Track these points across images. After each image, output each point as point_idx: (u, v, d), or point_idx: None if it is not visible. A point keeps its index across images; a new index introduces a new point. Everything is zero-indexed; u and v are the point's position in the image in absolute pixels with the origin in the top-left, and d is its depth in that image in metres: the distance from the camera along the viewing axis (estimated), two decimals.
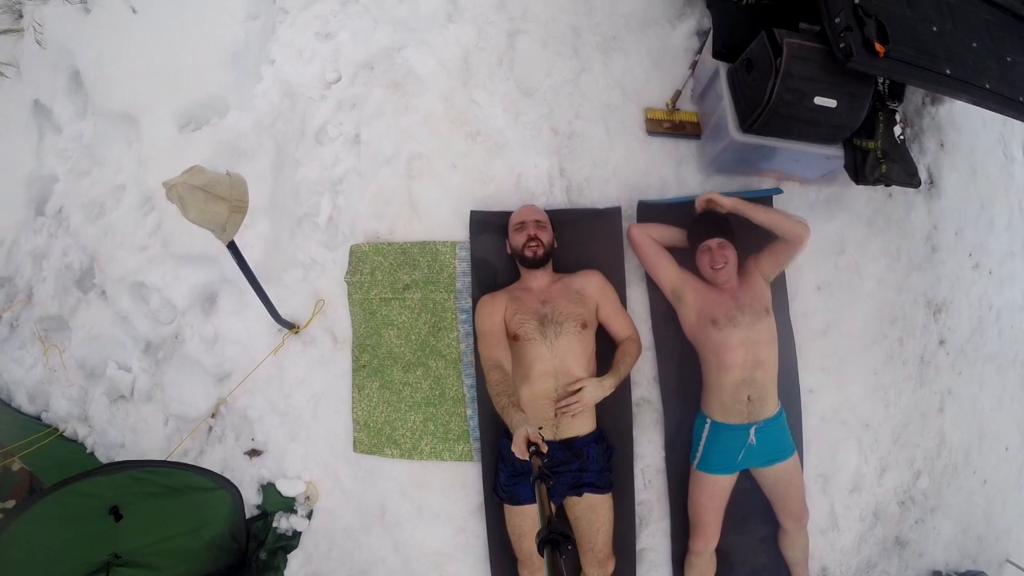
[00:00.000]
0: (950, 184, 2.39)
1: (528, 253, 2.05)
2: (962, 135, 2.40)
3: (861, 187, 2.28)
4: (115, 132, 2.34)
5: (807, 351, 2.23)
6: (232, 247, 1.67)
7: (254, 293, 2.29)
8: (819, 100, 1.76)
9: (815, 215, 2.31)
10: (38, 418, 2.42)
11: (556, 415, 1.95)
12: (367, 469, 2.24)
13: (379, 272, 2.23)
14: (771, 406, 2.03)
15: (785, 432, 2.08)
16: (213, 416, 2.38)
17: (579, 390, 1.90)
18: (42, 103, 2.52)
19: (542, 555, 0.91)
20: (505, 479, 2.00)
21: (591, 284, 2.10)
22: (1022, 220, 2.50)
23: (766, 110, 1.80)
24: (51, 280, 2.46)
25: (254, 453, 2.35)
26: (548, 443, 1.91)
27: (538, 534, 0.94)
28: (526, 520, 1.97)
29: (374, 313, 2.25)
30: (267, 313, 2.25)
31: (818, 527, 2.15)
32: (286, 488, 2.26)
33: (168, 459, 2.18)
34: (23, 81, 2.56)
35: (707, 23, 2.34)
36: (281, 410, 2.30)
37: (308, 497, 2.29)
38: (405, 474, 2.21)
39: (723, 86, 1.99)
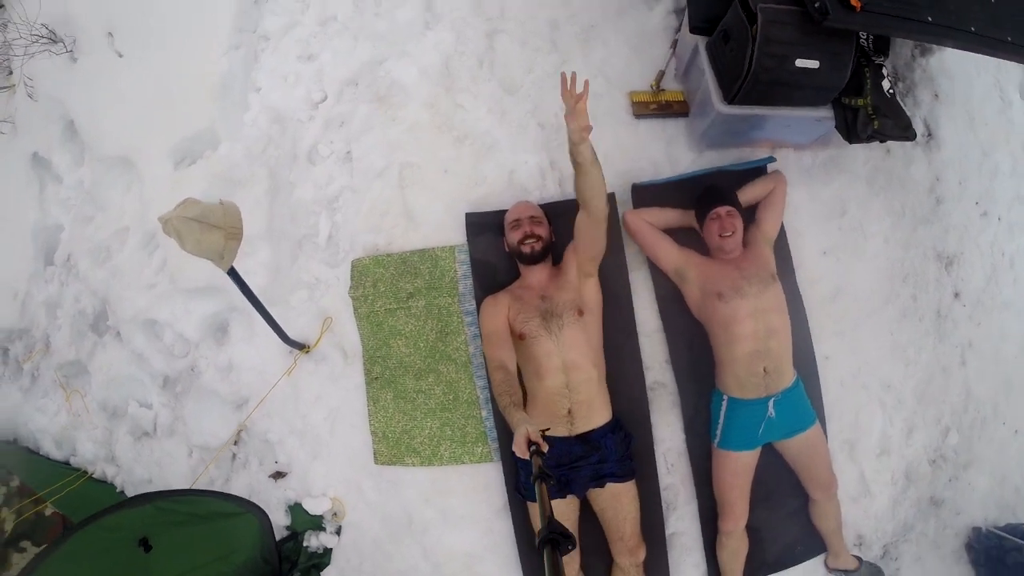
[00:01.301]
0: (949, 134, 2.35)
1: (525, 250, 2.05)
2: (956, 84, 2.36)
3: (857, 146, 2.28)
4: (113, 176, 2.40)
5: (819, 317, 2.19)
6: (233, 274, 1.69)
7: (261, 320, 2.36)
8: (800, 63, 1.74)
9: (813, 180, 2.29)
10: (67, 463, 2.47)
11: (570, 412, 1.94)
12: (389, 480, 2.25)
13: (381, 284, 2.25)
14: (787, 376, 2.01)
15: (804, 401, 2.05)
16: (235, 443, 2.41)
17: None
18: (40, 155, 2.59)
19: (542, 555, 0.90)
20: (526, 477, 1.99)
21: (568, 257, 2.09)
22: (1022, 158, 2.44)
23: (747, 79, 1.78)
24: (66, 327, 2.52)
25: (279, 475, 2.37)
26: (565, 439, 1.95)
27: (538, 534, 0.94)
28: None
29: (381, 325, 2.27)
30: (276, 339, 2.29)
31: (849, 495, 2.11)
32: (313, 507, 2.28)
33: (191, 488, 2.21)
34: (19, 135, 2.64)
35: (682, 2, 2.33)
36: (300, 430, 2.32)
37: (335, 513, 2.31)
38: (427, 481, 2.22)
39: (704, 60, 1.97)
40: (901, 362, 2.23)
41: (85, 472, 2.39)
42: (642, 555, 1.98)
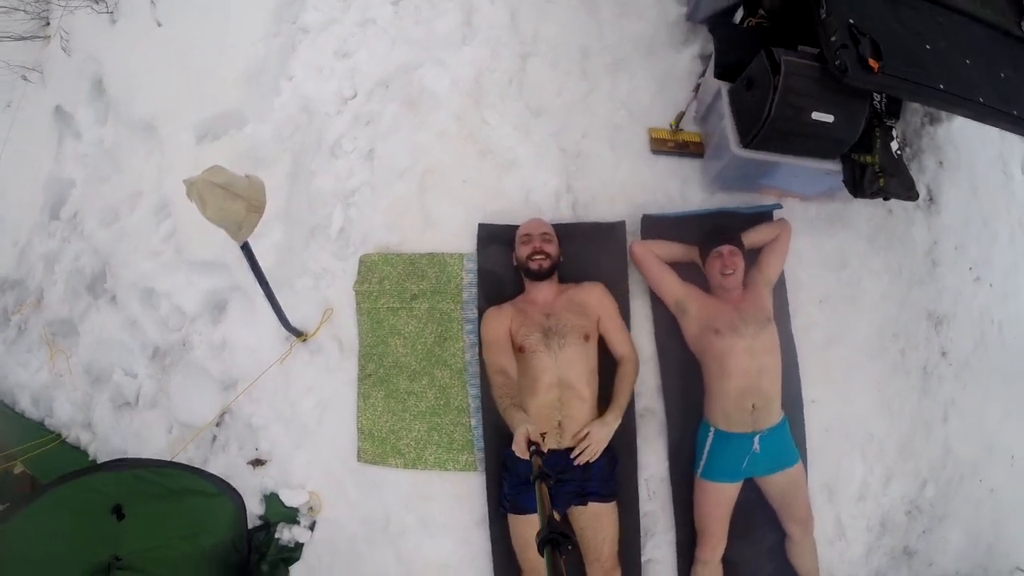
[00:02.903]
0: (950, 200, 2.46)
1: (533, 266, 2.08)
2: (961, 154, 2.48)
3: (860, 204, 2.36)
4: (135, 140, 2.41)
5: (810, 363, 2.25)
6: (246, 249, 1.70)
7: (264, 300, 2.32)
8: (816, 115, 1.83)
9: (816, 231, 2.37)
10: (41, 423, 2.41)
11: (560, 424, 1.96)
12: (371, 479, 2.23)
13: (387, 282, 2.27)
14: (775, 415, 2.05)
15: (789, 440, 2.08)
16: (217, 424, 2.37)
17: (586, 436, 1.92)
18: (64, 109, 2.60)
19: (542, 555, 0.91)
20: (509, 488, 1.99)
21: (592, 296, 2.13)
22: (1019, 230, 2.56)
23: (766, 125, 1.86)
24: (62, 284, 2.49)
25: (257, 463, 2.34)
26: (553, 452, 1.94)
27: (538, 534, 0.94)
28: (531, 530, 1.94)
29: (381, 322, 2.28)
30: (275, 321, 2.28)
31: (826, 537, 2.14)
32: (289, 498, 2.24)
33: (172, 460, 2.17)
34: (47, 86, 2.65)
35: (710, 48, 2.43)
36: (286, 418, 2.30)
37: (311, 508, 2.27)
38: (409, 484, 2.20)
39: (724, 104, 2.06)
40: (885, 414, 2.28)
41: (59, 436, 2.34)
42: None
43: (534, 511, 1.93)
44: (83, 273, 2.45)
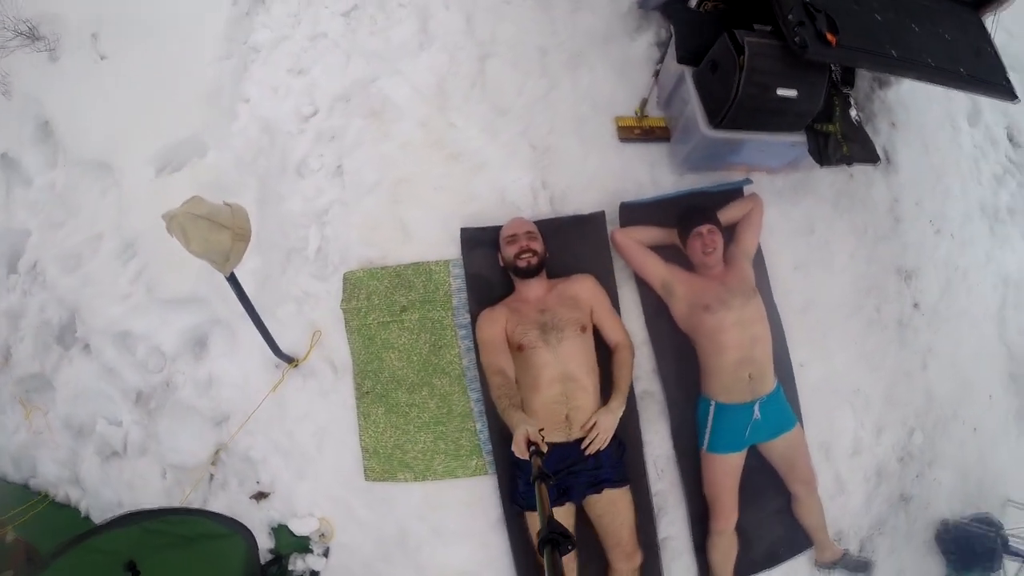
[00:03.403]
0: (905, 159, 2.58)
1: (522, 264, 2.10)
2: (911, 114, 2.61)
3: (824, 171, 2.47)
4: (89, 180, 2.30)
5: (793, 327, 2.34)
6: (232, 279, 1.66)
7: (246, 332, 2.28)
8: (781, 91, 1.90)
9: (783, 201, 2.45)
10: (25, 485, 2.29)
11: (567, 418, 1.98)
12: (381, 497, 2.20)
13: (375, 296, 2.24)
14: (770, 382, 2.13)
15: (786, 404, 2.17)
16: (214, 464, 2.31)
17: (594, 425, 1.95)
18: (9, 156, 2.46)
19: (542, 555, 0.91)
20: (523, 486, 2.00)
21: (584, 288, 2.17)
22: (976, 186, 2.71)
23: (734, 105, 1.92)
24: (29, 339, 2.36)
25: (260, 496, 2.28)
26: (563, 445, 1.98)
27: (538, 534, 0.95)
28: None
29: (373, 338, 2.25)
30: (262, 351, 2.24)
31: (827, 493, 2.23)
32: (299, 527, 2.20)
33: (177, 506, 2.11)
34: None
35: (664, 34, 2.49)
36: (285, 448, 2.26)
37: (323, 534, 2.23)
38: (420, 496, 2.19)
39: (690, 88, 2.11)
40: (868, 368, 2.40)
41: (46, 496, 2.23)
42: (639, 560, 2.02)
43: (552, 505, 1.97)
44: (51, 324, 2.34)
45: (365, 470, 2.21)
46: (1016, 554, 2.21)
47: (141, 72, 2.24)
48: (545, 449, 1.54)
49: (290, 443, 2.25)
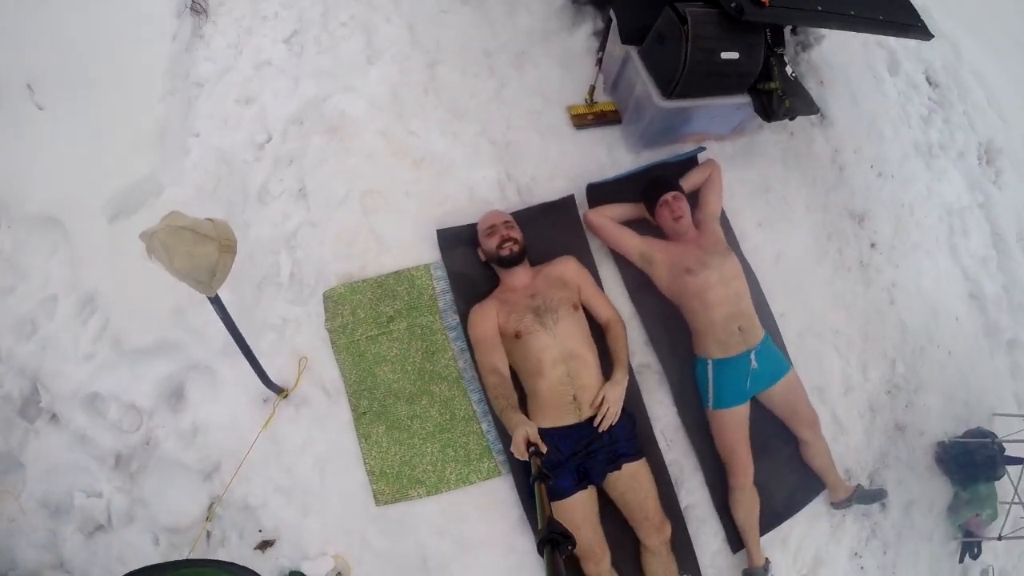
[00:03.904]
0: (837, 113, 2.77)
1: (505, 253, 2.11)
2: (835, 70, 2.81)
3: (768, 133, 2.63)
4: (38, 239, 2.15)
5: (767, 280, 2.44)
6: (217, 301, 1.59)
7: (227, 370, 2.20)
8: (725, 55, 2.02)
9: (736, 165, 2.58)
10: None
11: (575, 398, 1.97)
12: (394, 520, 2.11)
13: (360, 310, 2.19)
14: (759, 331, 2.20)
15: (777, 351, 2.25)
16: (209, 519, 2.16)
17: (603, 400, 1.97)
18: None
19: (542, 555, 0.91)
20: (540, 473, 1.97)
21: (568, 269, 2.20)
22: (906, 128, 2.93)
23: (684, 72, 2.03)
24: None
25: (265, 545, 2.14)
26: (576, 426, 1.97)
27: (538, 534, 0.94)
28: (575, 511, 1.94)
29: (363, 354, 2.19)
30: (247, 388, 2.15)
31: (829, 435, 2.30)
32: (312, 570, 2.05)
33: (185, 559, 1.95)
34: None
35: (600, 24, 2.62)
36: (285, 487, 2.13)
37: (339, 573, 2.11)
38: (436, 511, 2.11)
39: (638, 66, 2.21)
40: (842, 309, 2.52)
41: None
42: (668, 530, 2.00)
43: (572, 492, 1.94)
44: (11, 398, 2.14)
45: (375, 495, 2.11)
46: (1013, 460, 2.33)
47: (83, 119, 2.14)
48: (544, 450, 1.53)
49: (290, 480, 2.13)
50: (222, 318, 1.65)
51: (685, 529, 2.14)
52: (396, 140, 2.35)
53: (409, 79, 2.42)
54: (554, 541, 0.91)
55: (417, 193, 2.32)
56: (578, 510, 1.94)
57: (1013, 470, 2.34)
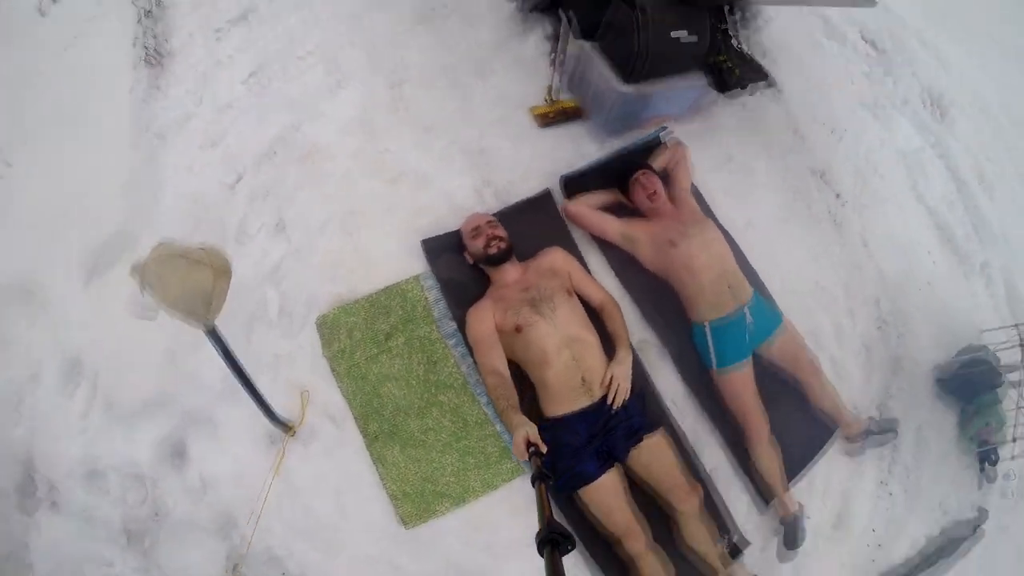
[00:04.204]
0: (785, 82, 2.91)
1: (493, 251, 2.13)
2: (776, 44, 2.96)
3: (723, 106, 2.75)
4: (13, 310, 2.06)
5: (746, 244, 2.50)
6: (214, 334, 1.54)
7: (227, 417, 2.15)
8: (676, 34, 2.14)
9: (697, 141, 2.66)
10: None
11: (584, 380, 1.98)
12: (425, 540, 2.04)
13: (356, 331, 2.17)
14: (748, 288, 2.26)
15: (768, 303, 2.32)
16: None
17: (611, 378, 1.99)
18: None
19: (542, 555, 0.91)
20: (567, 466, 1.95)
21: (556, 259, 2.23)
22: (851, 86, 3.10)
23: (641, 55, 2.13)
24: None
25: None
26: (590, 408, 1.98)
27: (537, 534, 0.94)
28: (607, 493, 1.94)
29: (365, 376, 2.15)
30: (250, 432, 2.09)
31: (829, 377, 2.35)
32: None
33: None
34: None
35: (550, 27, 2.72)
36: (307, 529, 2.05)
37: None
38: (463, 523, 2.06)
39: (595, 57, 2.30)
40: (818, 262, 2.62)
41: None
42: (699, 494, 2.01)
43: (598, 475, 1.93)
44: (6, 493, 2.01)
45: (401, 518, 2.04)
46: (1010, 367, 2.41)
47: (47, 180, 2.10)
48: (544, 450, 1.54)
49: (311, 521, 2.05)
50: (221, 352, 1.60)
51: (713, 493, 2.14)
52: (370, 160, 2.37)
53: (376, 101, 2.47)
54: (554, 541, 0.90)
55: (397, 209, 2.34)
56: (608, 491, 1.94)
57: (1012, 376, 2.43)
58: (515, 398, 1.90)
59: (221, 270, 1.40)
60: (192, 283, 1.34)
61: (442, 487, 2.08)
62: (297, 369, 2.17)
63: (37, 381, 2.10)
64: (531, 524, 2.00)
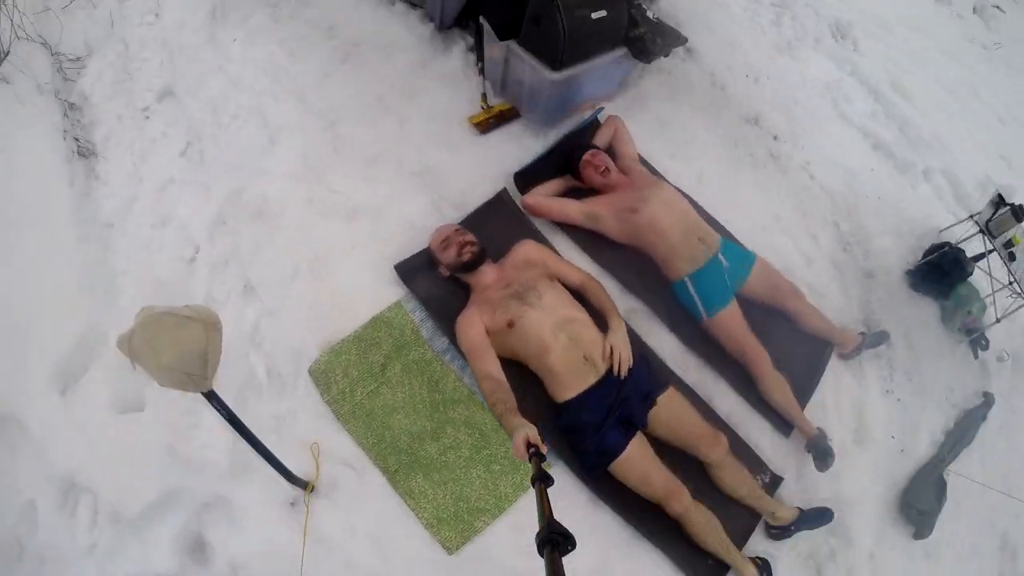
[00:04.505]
0: (699, 44, 3.06)
1: (466, 257, 2.15)
2: (681, 10, 3.11)
3: (648, 79, 2.90)
4: None
5: (702, 198, 2.61)
6: (213, 396, 1.49)
7: (240, 491, 2.06)
8: (595, 15, 2.24)
9: (632, 115, 2.78)
10: None
11: (586, 357, 2.00)
12: (473, 559, 1.99)
13: (351, 369, 2.13)
14: (716, 236, 2.35)
15: (737, 246, 2.41)
16: None
17: (611, 352, 2.02)
18: None
19: (542, 556, 0.90)
20: (593, 444, 1.96)
21: (530, 251, 2.27)
22: (762, 35, 3.29)
23: (566, 40, 2.21)
24: None
25: None
26: (600, 383, 2.00)
27: (538, 535, 0.94)
28: (638, 461, 1.95)
29: (371, 412, 2.11)
30: (268, 500, 2.01)
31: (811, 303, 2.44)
32: None
33: None
34: None
35: (471, 39, 2.81)
36: None
37: None
38: (506, 529, 2.03)
39: (521, 54, 2.37)
40: (771, 197, 2.75)
41: None
42: (725, 439, 2.04)
43: (624, 445, 1.94)
44: None
45: (443, 545, 1.98)
46: (977, 256, 2.55)
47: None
48: (545, 451, 1.54)
49: (355, 573, 1.97)
50: (224, 414, 1.54)
51: (736, 434, 2.20)
52: (322, 203, 2.36)
53: (314, 145, 2.47)
54: (554, 541, 0.90)
55: (361, 243, 2.33)
56: (638, 458, 1.95)
57: (981, 265, 2.56)
58: (512, 401, 1.88)
59: (211, 324, 1.36)
60: (185, 341, 1.29)
61: (476, 502, 2.04)
62: (301, 425, 2.10)
63: (34, 510, 1.98)
64: (573, 513, 2.03)
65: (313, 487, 2.03)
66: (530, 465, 1.38)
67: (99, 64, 2.64)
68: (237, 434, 2.00)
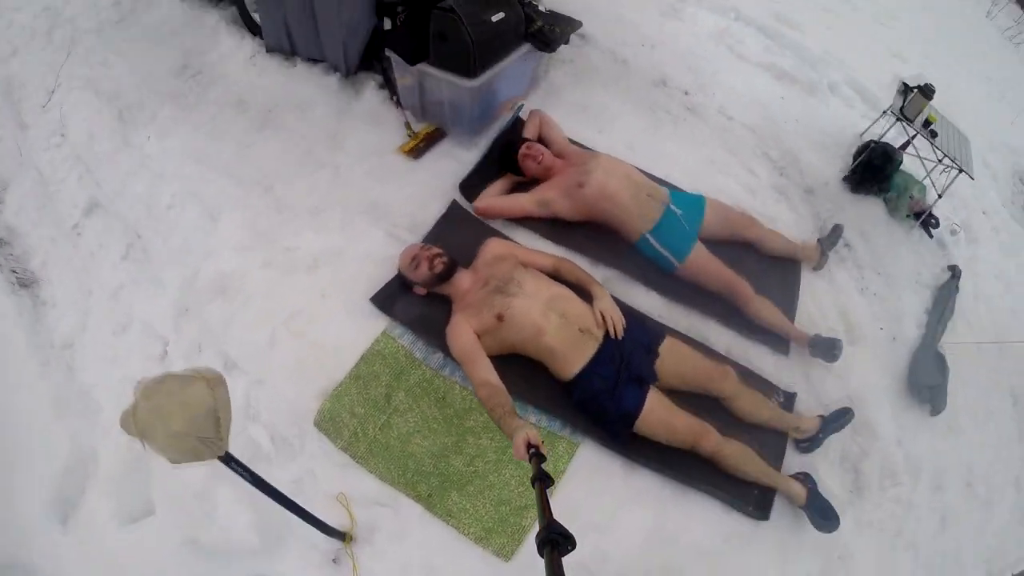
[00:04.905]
0: (589, 27, 3.19)
1: (439, 269, 2.17)
2: (577, 4, 3.23)
3: (552, 71, 3.05)
4: None
5: (636, 162, 2.71)
6: (230, 459, 1.44)
7: (278, 561, 1.96)
8: (494, 18, 2.38)
9: (552, 105, 2.94)
10: None
11: (581, 330, 2.04)
12: (528, 562, 1.94)
13: (357, 407, 2.09)
14: (663, 189, 2.47)
15: (685, 194, 2.54)
16: None
17: (603, 317, 2.07)
18: None
19: (542, 556, 0.91)
20: (612, 408, 1.98)
21: (497, 246, 2.32)
22: (646, 4, 3.52)
23: (475, 47, 2.32)
24: None
25: None
26: (601, 350, 2.03)
27: (538, 535, 0.94)
28: (659, 412, 1.99)
29: (388, 446, 2.07)
30: (310, 566, 1.93)
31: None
32: None
33: None
34: None
35: (380, 78, 2.89)
36: None
37: None
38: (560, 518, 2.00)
39: (435, 73, 2.47)
40: (695, 146, 2.92)
41: None
42: (733, 371, 2.11)
43: (640, 403, 1.97)
44: None
45: (497, 554, 1.94)
46: (902, 145, 2.74)
47: None
48: (545, 451, 1.55)
49: None
50: (247, 476, 1.50)
51: (741, 365, 2.27)
52: (281, 263, 2.35)
53: (256, 211, 2.47)
54: (554, 541, 0.91)
55: (330, 290, 2.31)
56: (659, 409, 1.99)
57: (909, 151, 2.75)
58: (510, 403, 1.88)
59: (214, 379, 1.32)
60: (191, 401, 1.25)
61: (517, 501, 2.02)
62: (321, 480, 2.03)
63: None
64: (612, 484, 2.03)
65: (351, 537, 1.96)
66: (530, 465, 1.37)
67: (17, 194, 2.60)
68: (258, 507, 1.95)
